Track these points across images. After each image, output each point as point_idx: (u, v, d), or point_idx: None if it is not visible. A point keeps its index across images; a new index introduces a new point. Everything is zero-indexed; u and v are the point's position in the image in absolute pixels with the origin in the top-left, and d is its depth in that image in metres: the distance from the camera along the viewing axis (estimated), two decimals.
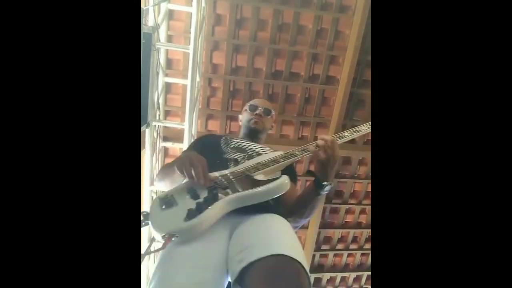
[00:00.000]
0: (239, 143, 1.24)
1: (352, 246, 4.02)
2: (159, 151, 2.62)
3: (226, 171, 1.01)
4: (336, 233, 3.90)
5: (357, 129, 1.23)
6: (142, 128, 2.20)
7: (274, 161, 1.04)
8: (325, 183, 1.02)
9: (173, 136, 2.73)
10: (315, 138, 3.23)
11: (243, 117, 1.48)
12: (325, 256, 4.02)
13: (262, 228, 0.88)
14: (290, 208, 1.10)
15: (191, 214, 0.83)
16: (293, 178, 1.22)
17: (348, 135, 1.18)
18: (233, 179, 0.96)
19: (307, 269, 0.76)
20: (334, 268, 4.12)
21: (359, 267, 4.17)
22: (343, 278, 4.24)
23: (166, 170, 1.12)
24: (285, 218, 1.01)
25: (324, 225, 3.77)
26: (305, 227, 3.67)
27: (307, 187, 1.10)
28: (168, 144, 2.76)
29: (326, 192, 1.04)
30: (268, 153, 1.15)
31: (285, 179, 0.95)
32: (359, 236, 3.97)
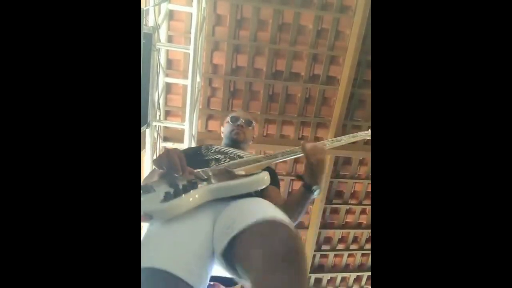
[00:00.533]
0: (220, 148, 1.28)
1: (353, 247, 4.02)
2: (160, 151, 2.62)
3: (207, 168, 1.02)
4: (337, 234, 3.90)
5: (354, 135, 1.26)
6: (143, 128, 2.20)
7: (256, 160, 1.08)
8: (315, 187, 1.03)
9: (174, 136, 2.73)
10: (316, 139, 3.26)
11: (225, 129, 1.50)
12: (326, 256, 4.02)
13: (247, 204, 0.88)
14: None
15: (168, 197, 0.83)
16: (276, 183, 1.23)
17: (345, 139, 1.21)
18: (213, 174, 0.97)
19: (297, 232, 0.75)
20: (334, 269, 4.12)
21: (360, 268, 4.17)
22: (343, 279, 4.24)
23: (150, 174, 1.12)
24: None
25: (324, 225, 3.77)
26: (305, 227, 3.68)
27: (296, 191, 1.11)
28: (169, 144, 2.76)
29: (315, 197, 1.05)
30: (248, 154, 1.19)
31: (264, 174, 0.96)
32: (359, 236, 3.98)
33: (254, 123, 1.53)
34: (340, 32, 2.94)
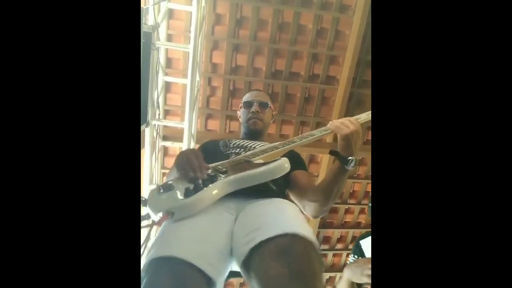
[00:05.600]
0: (239, 142, 1.24)
1: (351, 246, 4.02)
2: (159, 150, 2.62)
3: (225, 161, 1.01)
4: (335, 233, 3.91)
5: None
6: (142, 127, 2.20)
7: (273, 147, 1.05)
8: (351, 157, 1.02)
9: (173, 135, 2.73)
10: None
11: (241, 115, 1.43)
12: (324, 256, 4.03)
13: (270, 210, 0.88)
14: (314, 193, 1.09)
15: (188, 193, 0.83)
16: (302, 166, 1.22)
17: (365, 116, 1.18)
18: (230, 167, 0.96)
19: (318, 249, 0.75)
20: (333, 268, 4.12)
21: None
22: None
23: (170, 173, 1.12)
24: (311, 202, 1.04)
25: (323, 225, 3.78)
26: None
27: (331, 168, 1.10)
28: (168, 144, 2.76)
29: (352, 168, 1.04)
30: (269, 145, 1.16)
31: (284, 161, 0.94)
32: (358, 236, 3.98)
33: (269, 103, 1.43)
34: (339, 31, 2.93)
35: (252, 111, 1.36)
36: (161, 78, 2.47)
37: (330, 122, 1.09)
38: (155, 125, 2.42)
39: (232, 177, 0.90)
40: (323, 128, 1.12)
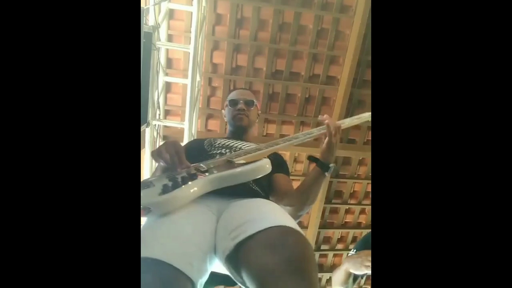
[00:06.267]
0: (224, 142, 1.22)
1: (352, 246, 4.02)
2: None
3: (208, 161, 1.00)
4: (336, 233, 3.91)
5: (357, 116, 1.25)
6: (142, 128, 2.20)
7: (257, 148, 1.06)
8: (332, 165, 1.06)
9: (173, 135, 2.73)
10: (315, 139, 3.24)
11: (227, 114, 1.40)
12: (325, 256, 4.03)
13: (254, 207, 0.87)
14: (291, 197, 1.10)
15: (166, 189, 0.81)
16: (284, 170, 1.22)
17: (348, 121, 1.20)
18: (213, 166, 0.95)
19: (307, 240, 0.75)
20: (333, 268, 4.10)
21: None
22: None
23: (154, 172, 1.12)
24: (287, 206, 1.05)
25: (323, 225, 3.78)
26: (304, 227, 3.68)
27: (310, 172, 1.11)
28: None
29: (329, 174, 1.08)
30: (252, 146, 1.16)
31: (265, 161, 0.93)
32: (358, 236, 3.98)
33: (255, 101, 1.41)
34: (340, 32, 2.94)
35: (238, 109, 1.34)
36: (162, 78, 2.48)
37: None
38: (155, 125, 2.43)
39: (212, 176, 0.89)
40: (307, 132, 1.13)
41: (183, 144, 1.17)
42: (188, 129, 2.31)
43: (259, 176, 0.93)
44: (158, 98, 2.40)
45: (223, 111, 1.47)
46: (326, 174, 1.06)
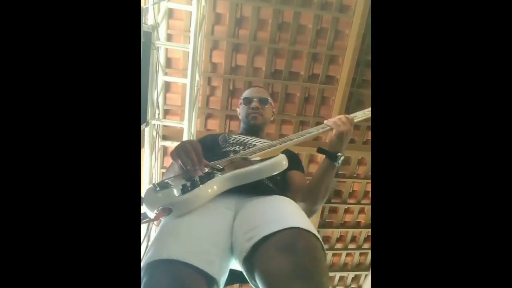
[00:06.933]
0: (238, 138, 1.23)
1: (351, 246, 4.03)
2: (158, 150, 2.62)
3: (224, 159, 1.01)
4: (335, 233, 3.91)
5: (368, 109, 1.23)
6: (142, 127, 2.20)
7: (271, 145, 1.06)
8: (340, 154, 1.06)
9: (172, 135, 2.73)
10: (315, 138, 3.25)
11: (241, 112, 1.41)
12: None
13: (270, 206, 0.87)
14: (303, 193, 1.10)
15: (185, 189, 0.82)
16: (298, 166, 1.22)
17: (361, 114, 1.19)
18: (229, 163, 0.96)
19: (321, 243, 0.75)
20: (332, 268, 4.12)
21: (358, 267, 4.17)
22: (341, 278, 4.24)
23: (168, 170, 1.11)
24: (300, 202, 1.04)
25: (323, 224, 3.77)
26: None
27: (319, 166, 1.11)
28: (167, 143, 2.75)
29: (339, 164, 1.08)
30: (266, 142, 1.16)
31: (282, 157, 0.94)
32: (357, 235, 3.98)
33: (269, 99, 1.41)
34: (339, 31, 2.93)
35: (252, 107, 1.34)
36: (161, 78, 2.47)
37: (326, 120, 1.10)
38: (154, 124, 2.42)
39: (229, 173, 0.90)
40: (320, 125, 1.13)
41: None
42: (187, 128, 2.30)
43: (276, 172, 0.93)
44: (157, 98, 2.39)
45: (237, 109, 1.47)
46: (336, 164, 1.06)
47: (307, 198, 1.08)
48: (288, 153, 1.11)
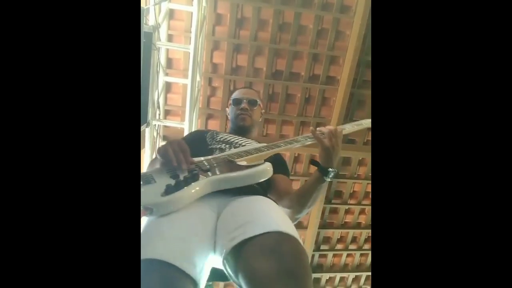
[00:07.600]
0: (225, 137, 1.22)
1: (351, 247, 4.02)
2: None
3: (209, 157, 1.01)
4: (336, 233, 3.91)
5: (358, 122, 1.23)
6: (142, 127, 2.20)
7: (257, 149, 1.06)
8: (331, 169, 1.03)
9: (173, 135, 2.73)
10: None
11: (230, 112, 1.41)
12: (324, 256, 4.02)
13: (253, 207, 0.87)
14: (290, 199, 1.09)
15: (169, 190, 0.81)
16: (284, 171, 1.22)
17: (349, 127, 1.19)
18: (215, 164, 0.96)
19: (303, 247, 0.75)
20: (333, 268, 4.12)
21: (358, 267, 4.17)
22: (342, 278, 4.24)
23: (151, 163, 1.11)
24: (285, 208, 1.04)
25: (323, 225, 3.77)
26: (304, 227, 3.68)
27: (310, 176, 1.10)
28: None
29: (330, 179, 1.06)
30: (253, 144, 1.15)
31: (267, 165, 0.94)
32: (358, 236, 3.98)
33: (259, 101, 1.41)
34: (340, 32, 2.94)
35: (241, 108, 1.34)
36: (162, 78, 2.48)
37: (311, 128, 1.09)
38: (155, 125, 2.43)
39: (214, 177, 0.90)
40: (307, 135, 1.12)
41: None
42: (188, 129, 2.31)
43: (261, 180, 0.94)
44: (158, 98, 2.40)
45: (226, 109, 1.47)
46: (326, 178, 1.04)
47: (293, 206, 1.08)
48: (274, 155, 1.11)
